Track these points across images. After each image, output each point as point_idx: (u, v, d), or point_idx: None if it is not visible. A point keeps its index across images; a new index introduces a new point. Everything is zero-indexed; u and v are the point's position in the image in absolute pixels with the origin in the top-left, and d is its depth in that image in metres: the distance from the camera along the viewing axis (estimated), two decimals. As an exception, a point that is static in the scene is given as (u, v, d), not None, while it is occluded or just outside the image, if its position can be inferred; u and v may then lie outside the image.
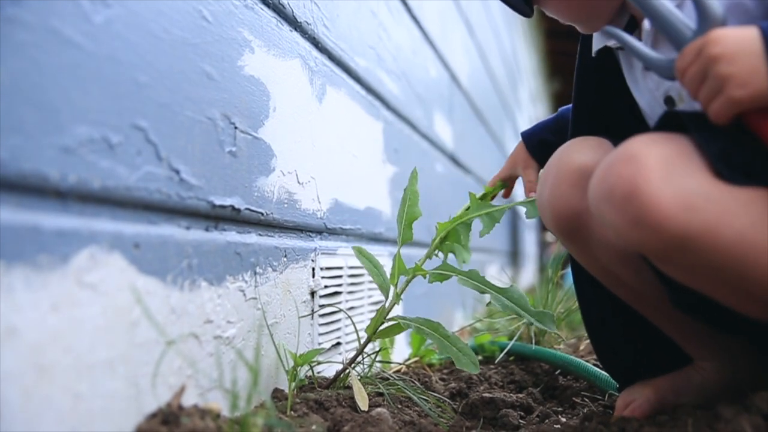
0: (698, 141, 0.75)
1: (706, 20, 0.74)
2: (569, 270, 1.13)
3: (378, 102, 1.65)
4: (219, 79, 0.91)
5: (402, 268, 1.13)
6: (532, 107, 7.13)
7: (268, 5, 1.06)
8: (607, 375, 1.22)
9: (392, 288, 1.13)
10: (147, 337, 0.73)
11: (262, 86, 1.03)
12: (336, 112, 1.36)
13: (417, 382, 1.26)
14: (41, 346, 0.59)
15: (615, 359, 1.11)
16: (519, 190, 1.24)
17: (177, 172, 0.80)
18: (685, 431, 0.84)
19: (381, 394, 1.10)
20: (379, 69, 1.65)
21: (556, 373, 1.43)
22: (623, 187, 0.72)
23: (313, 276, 1.22)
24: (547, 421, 1.12)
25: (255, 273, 0.99)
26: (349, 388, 1.05)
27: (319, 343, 1.22)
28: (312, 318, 1.21)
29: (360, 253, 1.16)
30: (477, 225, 1.16)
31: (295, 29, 1.17)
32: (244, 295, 0.96)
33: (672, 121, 0.81)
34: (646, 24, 0.88)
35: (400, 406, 1.08)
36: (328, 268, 1.28)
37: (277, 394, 1.02)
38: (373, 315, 1.21)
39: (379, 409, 0.97)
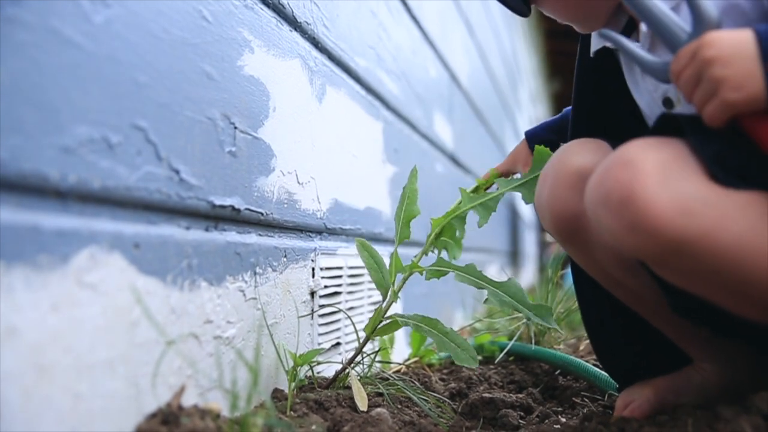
0: (694, 144, 0.75)
1: (701, 23, 0.74)
2: (569, 270, 1.13)
3: (378, 102, 1.65)
4: (219, 79, 0.91)
5: (399, 265, 1.12)
6: (532, 107, 7.13)
7: (268, 5, 1.06)
8: (607, 375, 1.22)
9: (390, 286, 1.13)
10: (147, 337, 0.73)
11: (262, 86, 1.03)
12: (336, 112, 1.36)
13: (417, 382, 1.26)
14: (41, 346, 0.59)
15: (614, 359, 1.11)
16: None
17: (177, 172, 0.80)
18: (685, 431, 0.84)
19: (381, 394, 1.10)
20: (378, 69, 1.65)
21: (556, 373, 1.43)
22: (620, 192, 0.72)
23: (313, 276, 1.22)
24: (546, 421, 1.12)
25: (255, 273, 0.99)
26: (349, 388, 1.05)
27: (319, 344, 1.22)
28: (312, 318, 1.21)
29: (362, 247, 1.13)
30: (473, 219, 1.14)
31: (295, 29, 1.17)
32: (244, 295, 0.96)
33: (669, 124, 0.81)
34: (644, 26, 0.88)
35: (399, 406, 1.08)
36: (327, 268, 1.28)
37: (277, 394, 1.02)
38: (372, 315, 1.21)
39: (378, 409, 0.96)
